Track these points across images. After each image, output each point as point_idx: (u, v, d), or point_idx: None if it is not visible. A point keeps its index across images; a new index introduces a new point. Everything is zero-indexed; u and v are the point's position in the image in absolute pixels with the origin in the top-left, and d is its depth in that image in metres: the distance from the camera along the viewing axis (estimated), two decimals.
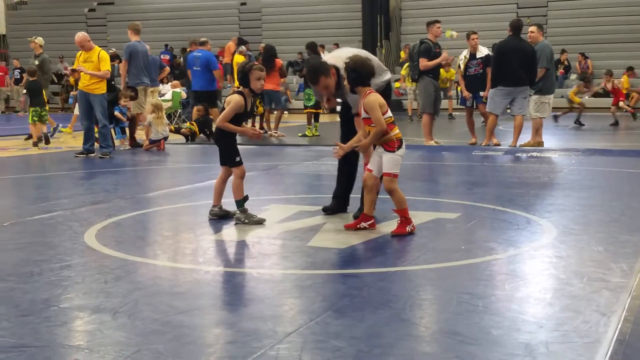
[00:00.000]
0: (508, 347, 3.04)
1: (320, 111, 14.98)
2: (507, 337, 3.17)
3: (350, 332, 3.22)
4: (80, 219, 6.04)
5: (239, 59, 15.21)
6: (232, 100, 5.70)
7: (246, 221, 5.61)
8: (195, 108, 14.05)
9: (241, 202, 5.70)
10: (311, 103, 14.34)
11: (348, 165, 6.10)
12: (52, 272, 4.31)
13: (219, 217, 5.83)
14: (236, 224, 5.64)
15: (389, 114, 5.25)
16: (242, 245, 5.03)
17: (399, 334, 3.21)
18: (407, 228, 5.19)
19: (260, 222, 5.61)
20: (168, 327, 3.30)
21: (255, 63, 5.83)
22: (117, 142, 12.29)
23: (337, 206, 6.04)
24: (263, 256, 4.76)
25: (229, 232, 5.47)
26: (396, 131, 5.22)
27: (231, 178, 5.84)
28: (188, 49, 18.00)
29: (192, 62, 15.27)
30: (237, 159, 5.83)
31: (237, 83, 16.68)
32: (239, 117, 5.76)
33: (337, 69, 5.49)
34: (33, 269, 4.36)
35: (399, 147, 5.22)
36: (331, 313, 3.50)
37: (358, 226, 5.33)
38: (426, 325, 3.35)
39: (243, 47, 15.43)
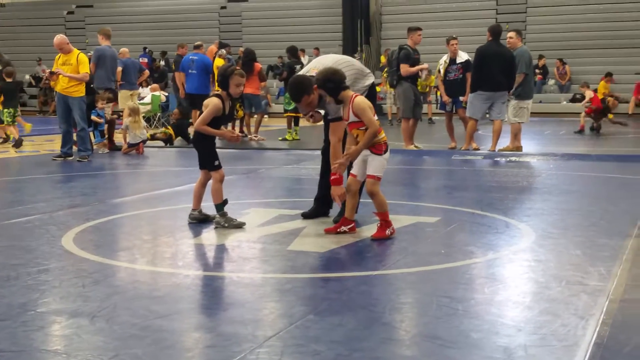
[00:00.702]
0: (487, 351, 3.05)
1: (300, 115, 14.97)
2: (486, 341, 3.18)
3: (330, 335, 3.22)
4: (58, 222, 5.99)
5: (219, 62, 15.18)
6: (211, 103, 5.69)
7: (226, 225, 5.59)
8: (174, 110, 14.03)
9: (220, 205, 5.68)
10: (291, 107, 14.33)
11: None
12: (30, 276, 4.26)
13: (199, 221, 5.81)
14: (216, 227, 5.62)
15: (375, 116, 5.26)
16: (221, 249, 5.01)
17: (379, 338, 3.21)
18: (387, 231, 5.19)
19: (239, 225, 5.59)
20: (147, 331, 3.28)
21: (237, 68, 5.80)
22: (95, 146, 12.19)
23: (317, 209, 6.03)
24: (243, 260, 4.74)
25: (209, 236, 5.44)
26: (383, 134, 5.23)
27: (211, 182, 5.81)
28: (176, 52, 17.97)
29: (187, 65, 15.22)
30: (216, 162, 5.80)
31: (217, 86, 16.67)
32: (217, 121, 5.74)
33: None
34: (10, 273, 4.31)
35: (386, 150, 5.24)
36: (311, 317, 3.49)
37: (338, 230, 5.32)
38: (406, 329, 3.36)
39: (223, 51, 15.41)
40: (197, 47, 15.71)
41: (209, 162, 5.79)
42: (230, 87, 5.66)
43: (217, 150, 5.92)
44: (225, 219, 5.63)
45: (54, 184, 8.88)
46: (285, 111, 14.63)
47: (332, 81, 5.22)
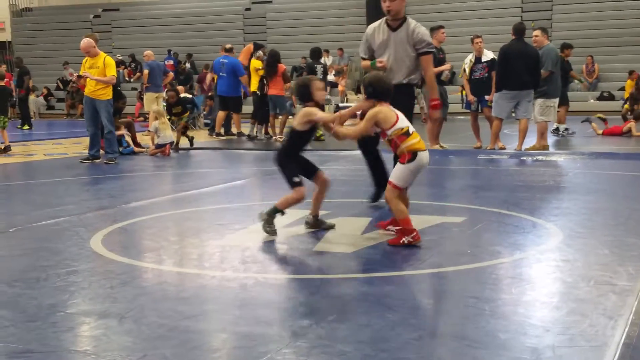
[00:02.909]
0: (515, 351, 3.03)
1: None
2: (514, 341, 3.16)
3: (356, 336, 3.22)
4: (87, 224, 6.05)
5: (256, 64, 15.25)
6: (315, 111, 5.44)
7: (266, 227, 5.39)
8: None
9: (275, 210, 5.44)
10: None
11: (372, 156, 6.71)
12: (59, 277, 4.31)
13: (311, 227, 5.60)
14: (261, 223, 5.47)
15: (400, 124, 5.04)
16: (247, 250, 5.03)
17: (406, 338, 3.20)
18: (404, 239, 4.96)
19: (272, 233, 5.40)
20: (174, 332, 3.30)
21: (311, 76, 5.71)
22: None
23: (379, 193, 6.46)
24: (269, 261, 4.76)
25: (235, 237, 5.47)
26: (409, 142, 4.99)
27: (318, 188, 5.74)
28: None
29: (218, 68, 15.64)
30: (296, 179, 5.51)
31: (252, 86, 16.79)
32: (310, 130, 5.59)
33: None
34: (39, 275, 4.37)
35: (410, 160, 4.99)
36: (337, 317, 3.49)
37: (387, 228, 5.39)
38: (433, 330, 3.34)
39: (260, 52, 15.48)
40: (228, 50, 15.89)
41: (289, 178, 5.57)
42: (313, 94, 5.40)
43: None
44: (269, 221, 5.43)
45: (82, 186, 8.97)
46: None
47: (372, 87, 5.16)
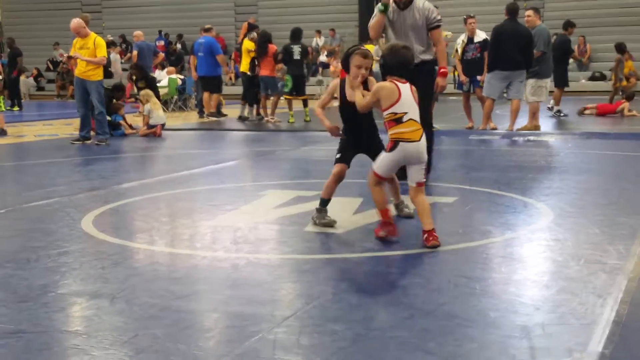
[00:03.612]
0: (505, 329, 3.05)
1: (307, 97, 14.72)
2: (504, 319, 3.18)
3: (348, 315, 3.23)
4: (78, 205, 6.04)
5: (248, 45, 15.17)
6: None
7: (316, 221, 5.13)
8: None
9: (323, 201, 5.13)
10: (287, 89, 14.25)
11: None
12: (50, 258, 4.31)
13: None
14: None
15: (396, 109, 4.56)
16: (239, 230, 5.03)
17: (397, 318, 3.21)
18: (381, 232, 4.64)
19: (330, 224, 5.04)
20: (166, 312, 3.31)
21: (361, 47, 5.01)
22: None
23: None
24: (260, 241, 4.76)
25: (226, 217, 5.47)
26: (396, 130, 4.56)
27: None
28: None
29: (197, 48, 15.61)
30: (337, 155, 5.14)
31: (242, 67, 16.64)
32: (347, 107, 5.04)
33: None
34: (30, 256, 4.36)
35: (392, 148, 4.59)
36: (329, 297, 3.51)
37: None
38: (424, 309, 3.36)
39: (254, 34, 15.40)
40: (206, 30, 15.83)
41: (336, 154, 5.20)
42: (350, 68, 4.92)
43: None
44: (319, 215, 5.12)
45: (73, 167, 8.94)
46: (283, 94, 14.55)
47: (384, 59, 4.72)
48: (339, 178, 5.08)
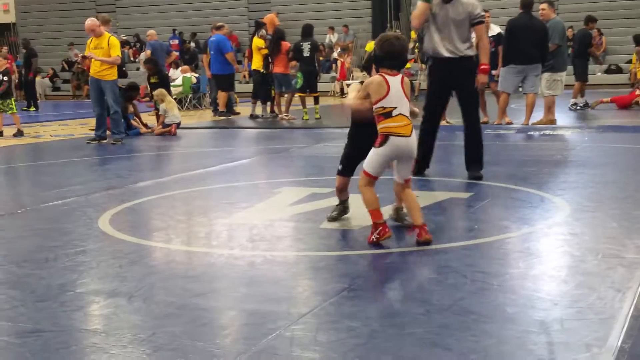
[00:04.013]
0: (523, 325, 3.04)
1: (307, 95, 14.65)
2: (521, 315, 3.17)
3: (364, 312, 3.23)
4: (94, 204, 6.07)
5: (258, 42, 15.17)
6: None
7: (332, 216, 5.05)
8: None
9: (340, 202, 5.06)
10: (298, 86, 14.18)
11: (428, 136, 6.89)
12: (67, 257, 4.34)
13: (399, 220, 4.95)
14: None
15: (385, 103, 4.42)
16: (254, 228, 5.03)
17: (413, 314, 3.21)
18: (372, 237, 4.43)
19: (331, 218, 5.03)
20: (183, 310, 3.32)
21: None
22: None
23: (417, 170, 6.61)
24: (276, 239, 4.76)
25: (242, 215, 5.48)
26: (385, 124, 4.42)
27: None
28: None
29: (210, 47, 15.68)
30: (339, 167, 5.01)
31: (253, 65, 16.51)
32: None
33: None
34: (48, 255, 4.39)
35: (381, 143, 4.44)
36: (345, 294, 3.50)
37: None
38: (441, 305, 3.35)
39: (263, 31, 15.38)
40: (218, 27, 15.86)
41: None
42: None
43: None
44: (332, 210, 5.11)
45: (89, 167, 8.99)
46: (296, 91, 14.44)
47: (376, 49, 4.57)
48: (340, 190, 5.03)
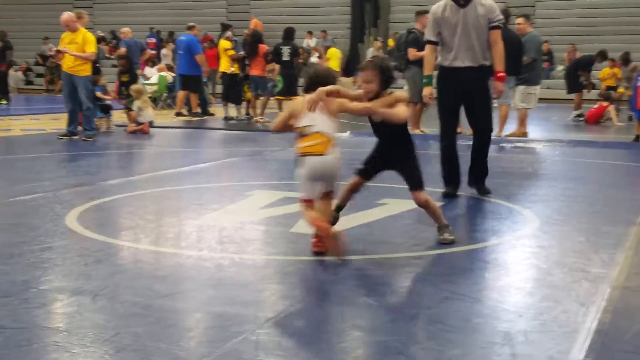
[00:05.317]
0: (488, 335, 3.06)
1: (286, 98, 14.64)
2: (487, 325, 3.18)
3: (330, 318, 3.23)
4: (62, 201, 6.00)
5: (224, 44, 15.14)
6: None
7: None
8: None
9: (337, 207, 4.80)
10: (278, 89, 14.17)
11: (448, 151, 6.63)
12: (32, 254, 4.28)
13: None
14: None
15: (300, 123, 4.37)
16: (225, 230, 5.01)
17: (380, 322, 3.21)
18: (315, 248, 4.36)
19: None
20: (148, 310, 3.29)
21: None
22: (97, 121, 12.01)
23: (453, 189, 6.46)
24: (246, 241, 4.74)
25: (213, 217, 5.45)
26: (299, 144, 4.35)
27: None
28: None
29: (178, 46, 15.57)
30: (360, 165, 4.84)
31: (221, 67, 16.37)
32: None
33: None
34: (13, 251, 4.33)
35: (299, 163, 4.36)
36: (312, 299, 3.50)
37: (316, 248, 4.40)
38: (407, 313, 3.36)
39: (229, 32, 15.34)
40: (189, 27, 15.80)
41: None
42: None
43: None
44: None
45: (59, 163, 8.89)
46: (273, 95, 14.43)
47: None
48: (352, 189, 4.81)
